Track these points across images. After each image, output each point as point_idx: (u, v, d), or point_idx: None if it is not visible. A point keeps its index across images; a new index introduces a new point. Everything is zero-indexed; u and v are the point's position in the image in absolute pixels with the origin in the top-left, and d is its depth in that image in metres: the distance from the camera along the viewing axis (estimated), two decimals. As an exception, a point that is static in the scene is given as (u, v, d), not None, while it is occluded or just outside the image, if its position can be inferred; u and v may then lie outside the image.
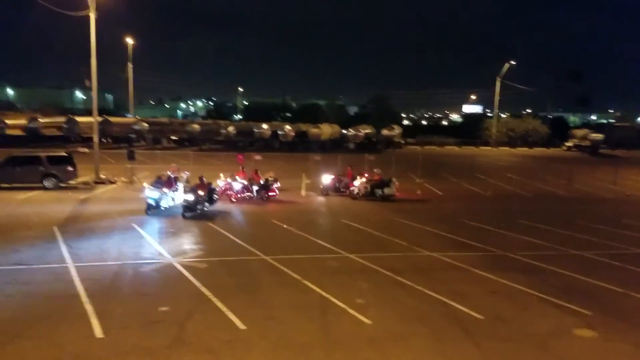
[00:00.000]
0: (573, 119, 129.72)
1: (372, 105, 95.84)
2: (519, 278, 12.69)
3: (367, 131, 64.15)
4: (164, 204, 19.62)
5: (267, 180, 23.75)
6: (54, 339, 8.44)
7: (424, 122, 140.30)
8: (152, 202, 19.17)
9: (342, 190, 26.05)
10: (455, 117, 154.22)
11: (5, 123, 54.13)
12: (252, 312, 9.95)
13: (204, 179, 20.27)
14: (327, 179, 26.27)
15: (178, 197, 20.19)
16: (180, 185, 20.86)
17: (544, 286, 12.15)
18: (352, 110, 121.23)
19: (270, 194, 23.48)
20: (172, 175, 21.00)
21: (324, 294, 11.04)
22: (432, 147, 72.01)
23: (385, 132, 66.83)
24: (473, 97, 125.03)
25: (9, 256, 13.14)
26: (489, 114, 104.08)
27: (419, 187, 28.84)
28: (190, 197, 18.89)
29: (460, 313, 10.30)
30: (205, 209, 19.58)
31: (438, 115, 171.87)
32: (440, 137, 78.36)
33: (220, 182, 22.75)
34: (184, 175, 22.40)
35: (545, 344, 9.09)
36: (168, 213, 19.45)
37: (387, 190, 24.94)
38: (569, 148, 69.54)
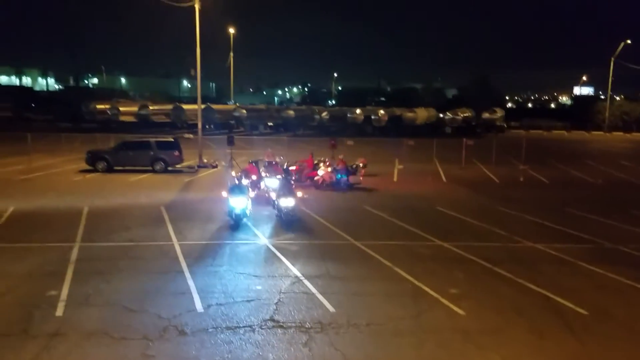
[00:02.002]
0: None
1: (473, 88, 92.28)
2: (629, 272, 11.65)
3: (466, 115, 62.01)
4: (248, 212, 15.69)
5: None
6: (161, 312, 9.04)
7: (529, 105, 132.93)
8: (240, 213, 15.06)
9: (302, 180, 22.63)
10: (564, 99, 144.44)
11: (118, 110, 58.83)
12: (342, 295, 10.02)
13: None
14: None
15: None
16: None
17: (657, 282, 11.07)
18: (451, 93, 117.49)
19: None
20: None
21: (415, 281, 10.85)
22: (539, 132, 68.09)
23: (485, 115, 64.22)
24: (585, 78, 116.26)
25: (121, 234, 14.26)
26: (602, 97, 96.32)
27: (523, 174, 27.44)
28: (291, 203, 15.63)
29: (563, 307, 9.65)
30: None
31: (546, 97, 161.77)
32: (548, 121, 73.99)
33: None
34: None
35: (657, 345, 8.29)
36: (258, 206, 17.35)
37: (351, 179, 22.63)
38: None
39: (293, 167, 23.01)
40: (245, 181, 16.63)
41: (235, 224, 15.00)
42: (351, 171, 22.86)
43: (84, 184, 22.84)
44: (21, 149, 30.82)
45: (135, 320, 8.73)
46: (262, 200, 18.36)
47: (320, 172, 22.56)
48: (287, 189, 15.98)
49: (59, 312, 8.97)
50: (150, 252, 12.60)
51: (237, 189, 15.34)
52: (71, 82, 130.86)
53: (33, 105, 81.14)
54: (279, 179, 17.72)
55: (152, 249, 12.93)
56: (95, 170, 25.93)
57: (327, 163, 23.21)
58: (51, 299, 9.47)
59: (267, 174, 19.42)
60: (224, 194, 15.58)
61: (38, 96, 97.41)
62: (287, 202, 15.56)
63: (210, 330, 8.41)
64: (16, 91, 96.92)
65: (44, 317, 8.72)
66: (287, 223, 15.38)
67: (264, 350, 7.80)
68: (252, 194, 15.87)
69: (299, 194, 16.55)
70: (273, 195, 16.93)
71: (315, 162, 23.83)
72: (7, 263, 11.55)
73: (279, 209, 15.80)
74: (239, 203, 14.98)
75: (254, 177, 19.47)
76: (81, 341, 7.93)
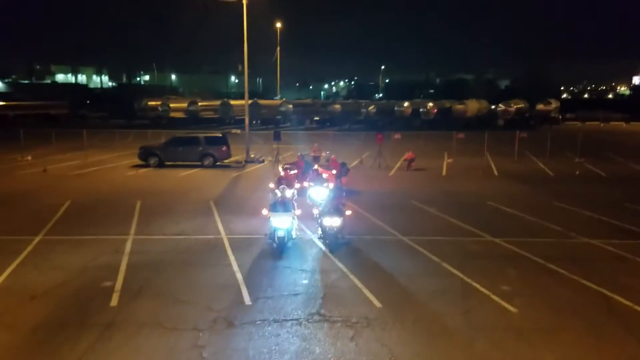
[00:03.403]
0: None
1: (526, 78, 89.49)
2: (698, 272, 10.96)
3: (519, 106, 60.24)
4: (294, 233, 13.05)
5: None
6: (210, 303, 9.21)
7: (586, 96, 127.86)
8: (284, 235, 12.33)
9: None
10: (623, 89, 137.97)
11: (169, 106, 60.39)
12: (389, 291, 9.90)
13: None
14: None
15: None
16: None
17: None
18: (504, 84, 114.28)
19: None
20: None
21: (465, 277, 10.60)
22: (595, 123, 65.28)
23: (540, 106, 62.12)
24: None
25: (172, 227, 14.62)
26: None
27: (579, 167, 26.36)
28: (336, 223, 12.81)
29: (622, 307, 9.19)
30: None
31: (603, 87, 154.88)
32: (605, 112, 70.78)
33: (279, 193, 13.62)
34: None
35: None
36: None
37: (344, 180, 18.43)
38: None
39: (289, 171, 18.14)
40: (289, 192, 13.67)
41: (279, 248, 12.35)
42: (343, 172, 18.97)
43: (137, 179, 23.57)
44: (77, 145, 32.19)
45: (186, 311, 8.92)
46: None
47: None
48: (332, 205, 13.19)
49: (114, 302, 9.28)
50: (199, 245, 12.87)
51: (280, 205, 12.75)
52: (124, 80, 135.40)
53: (88, 102, 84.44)
54: (327, 187, 15.26)
55: (202, 242, 13.20)
56: (147, 166, 26.71)
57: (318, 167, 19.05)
58: (106, 290, 9.81)
59: (312, 182, 16.67)
60: (265, 211, 12.82)
61: (93, 94, 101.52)
62: (332, 222, 12.78)
63: (258, 322, 8.50)
64: (72, 89, 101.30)
65: (99, 308, 9.04)
66: (332, 246, 12.63)
67: (310, 343, 7.81)
68: (297, 211, 13.19)
69: (348, 212, 13.55)
70: (316, 211, 14.26)
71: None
72: (64, 255, 12.05)
73: (322, 229, 13.15)
74: (283, 222, 12.41)
75: (295, 187, 15.58)
76: (135, 331, 8.17)
